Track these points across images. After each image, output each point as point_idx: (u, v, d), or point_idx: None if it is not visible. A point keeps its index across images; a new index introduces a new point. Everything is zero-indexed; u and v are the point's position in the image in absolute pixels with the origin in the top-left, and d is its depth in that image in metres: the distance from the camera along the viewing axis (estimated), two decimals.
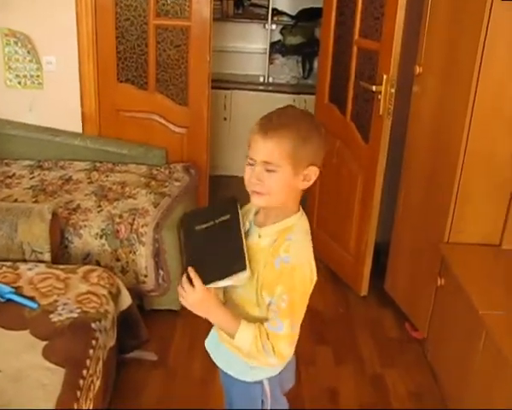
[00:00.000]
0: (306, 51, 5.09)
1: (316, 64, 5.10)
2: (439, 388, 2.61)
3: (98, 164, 3.49)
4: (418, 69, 2.74)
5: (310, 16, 5.02)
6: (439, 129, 2.65)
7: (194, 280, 1.36)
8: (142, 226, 2.81)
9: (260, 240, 1.44)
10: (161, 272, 2.84)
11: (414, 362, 2.81)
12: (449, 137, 2.55)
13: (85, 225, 2.81)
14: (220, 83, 4.70)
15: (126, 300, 2.47)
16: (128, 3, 3.39)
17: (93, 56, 3.43)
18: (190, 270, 1.37)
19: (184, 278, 1.38)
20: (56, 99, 3.49)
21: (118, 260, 2.81)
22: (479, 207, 2.55)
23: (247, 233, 1.47)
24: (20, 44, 3.39)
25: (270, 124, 1.38)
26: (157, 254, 2.81)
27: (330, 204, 3.42)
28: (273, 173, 1.36)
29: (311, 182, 1.41)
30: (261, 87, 5.03)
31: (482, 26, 2.29)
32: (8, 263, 2.41)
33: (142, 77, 3.55)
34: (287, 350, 1.38)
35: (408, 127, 2.90)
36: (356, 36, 3.02)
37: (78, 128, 3.57)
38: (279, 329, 1.36)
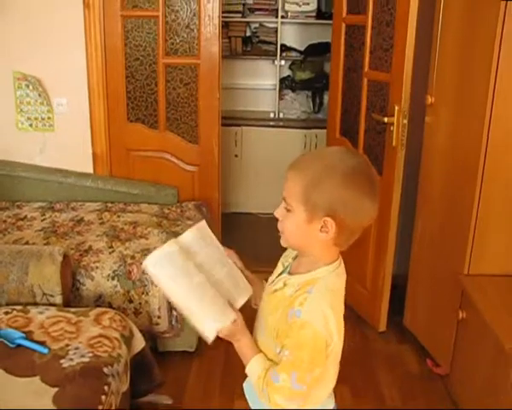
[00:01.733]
0: (316, 86, 5.11)
1: (326, 98, 5.10)
2: None
3: (110, 204, 3.47)
4: (430, 99, 2.71)
5: (318, 51, 5.06)
6: (454, 158, 2.60)
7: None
8: None
9: (285, 288, 1.37)
10: (175, 313, 2.78)
11: (437, 399, 2.71)
12: (465, 166, 2.50)
13: (97, 267, 2.76)
14: (231, 120, 4.72)
15: (139, 343, 2.41)
16: (137, 43, 3.41)
17: (103, 97, 3.44)
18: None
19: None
20: (67, 140, 3.50)
21: (130, 301, 2.76)
22: (498, 237, 2.48)
23: (278, 277, 1.44)
24: (31, 87, 3.41)
25: (297, 160, 1.33)
26: None
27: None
28: (289, 213, 1.30)
29: (330, 234, 1.27)
30: (272, 123, 5.04)
31: (494, 52, 2.26)
32: (19, 307, 2.36)
33: (153, 116, 3.55)
34: (282, 403, 1.30)
35: (422, 158, 2.85)
36: (366, 68, 3.00)
37: (89, 169, 3.56)
38: (275, 379, 1.30)
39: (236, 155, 4.89)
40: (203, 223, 1.51)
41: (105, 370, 2.04)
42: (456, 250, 2.57)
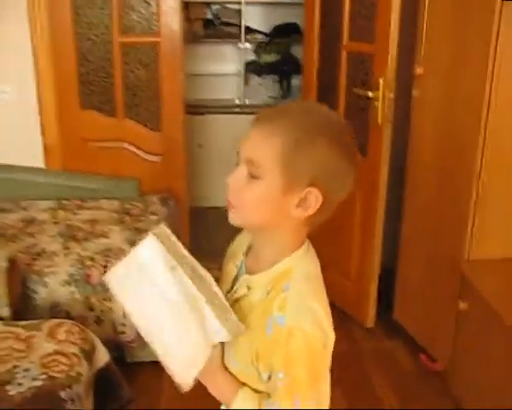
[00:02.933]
0: (283, 69, 4.83)
1: (294, 82, 4.84)
2: None
3: (64, 202, 3.11)
4: (419, 70, 2.46)
5: (284, 32, 4.77)
6: (448, 133, 2.36)
7: None
8: None
9: (251, 293, 1.04)
10: None
11: (435, 396, 2.49)
12: (462, 141, 2.26)
13: (51, 272, 2.43)
14: (193, 108, 4.38)
15: (103, 356, 2.09)
16: (88, 21, 3.05)
17: (52, 82, 3.08)
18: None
19: None
20: (13, 132, 3.13)
21: (91, 309, 2.43)
22: (500, 217, 2.26)
23: (234, 281, 1.10)
24: None
25: (267, 111, 1.01)
26: None
27: (323, 226, 3.09)
28: (254, 180, 0.97)
29: (308, 211, 0.98)
30: (237, 110, 4.73)
31: (494, 14, 2.02)
32: None
33: (109, 102, 3.20)
34: None
35: (410, 135, 2.60)
36: (345, 39, 2.73)
37: (40, 163, 3.20)
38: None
39: (200, 145, 4.56)
40: (162, 227, 1.08)
41: (62, 394, 1.73)
42: (454, 234, 2.34)
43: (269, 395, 1.01)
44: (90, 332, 2.09)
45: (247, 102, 4.80)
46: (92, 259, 2.49)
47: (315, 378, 0.99)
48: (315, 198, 0.97)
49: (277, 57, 4.81)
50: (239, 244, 1.15)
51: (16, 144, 3.15)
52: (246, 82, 4.83)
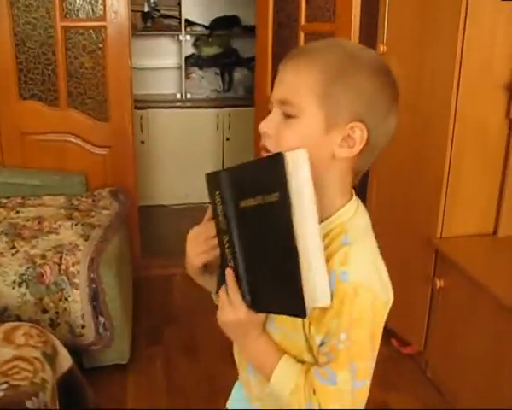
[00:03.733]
0: (224, 62, 4.72)
1: (236, 75, 4.74)
2: (449, 403, 2.25)
3: (4, 200, 2.85)
4: (382, 48, 2.41)
5: (225, 25, 4.67)
6: (415, 111, 2.31)
7: (232, 294, 0.90)
8: (73, 265, 2.24)
9: None
10: (102, 320, 2.27)
11: (412, 381, 2.44)
12: (431, 118, 2.22)
13: None
14: (133, 103, 4.19)
15: (65, 361, 1.90)
16: (27, 3, 2.82)
17: None
18: (229, 275, 0.90)
19: (223, 287, 0.92)
20: None
21: (44, 311, 2.22)
22: (471, 193, 2.24)
23: None
24: None
25: (296, 50, 0.94)
26: (95, 298, 2.25)
27: None
28: (292, 120, 0.88)
29: (353, 149, 0.89)
30: (179, 104, 4.58)
31: None
32: None
33: (51, 91, 2.97)
34: None
35: None
36: (302, 21, 2.65)
37: None
38: (330, 381, 0.88)
39: (143, 142, 4.37)
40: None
41: (28, 404, 1.53)
42: (425, 212, 2.29)
43: (316, 364, 0.90)
44: (50, 334, 1.89)
45: (189, 96, 4.66)
46: (43, 256, 2.27)
47: (374, 341, 0.89)
48: (359, 134, 0.88)
49: (218, 50, 4.70)
50: None
51: None
52: (186, 76, 4.68)
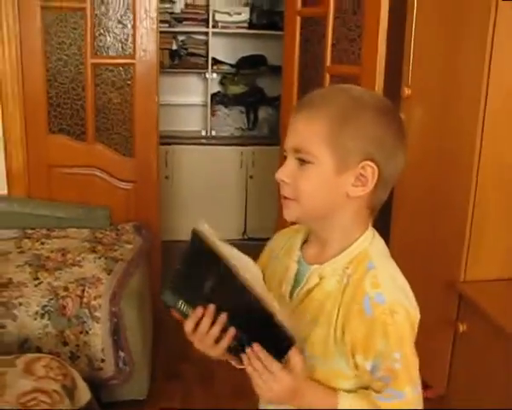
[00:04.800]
0: (250, 101, 4.78)
1: (261, 114, 4.79)
2: None
3: (29, 231, 2.90)
4: (407, 91, 2.43)
5: (251, 64, 4.74)
6: (440, 155, 2.32)
7: (269, 366, 0.91)
8: (95, 298, 2.26)
9: (323, 282, 1.00)
10: (122, 354, 2.27)
11: None
12: (456, 162, 2.22)
13: (20, 303, 2.23)
14: (160, 139, 4.26)
15: (84, 394, 1.90)
16: (60, 40, 2.90)
17: (19, 104, 2.89)
18: (257, 347, 0.92)
19: (259, 363, 0.92)
20: None
21: (65, 343, 2.23)
22: (495, 236, 2.21)
23: (295, 277, 1.04)
24: None
25: (306, 98, 1.00)
26: (115, 332, 2.25)
27: None
28: (306, 167, 0.95)
29: (366, 187, 0.95)
30: (204, 141, 4.63)
31: (488, 30, 2.01)
32: None
33: (79, 126, 3.03)
34: None
35: None
36: (328, 62, 2.68)
37: (2, 189, 2.98)
38: (397, 395, 0.93)
39: (167, 177, 4.42)
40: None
41: None
42: (449, 255, 2.27)
43: (372, 389, 0.94)
44: (70, 367, 1.90)
45: (214, 133, 4.71)
46: (66, 289, 2.30)
47: (415, 356, 0.96)
48: (371, 171, 0.95)
49: (244, 89, 4.77)
50: (281, 245, 1.12)
51: None
52: (212, 113, 4.75)
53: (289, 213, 1.00)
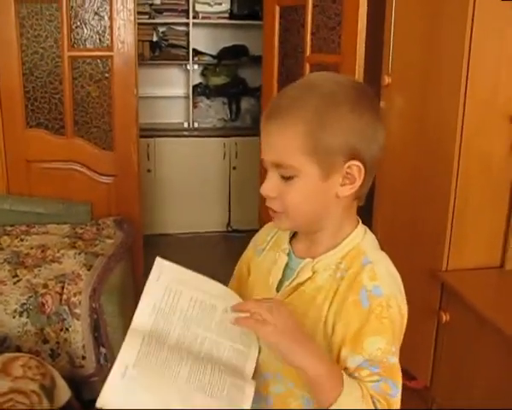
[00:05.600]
0: (232, 91, 4.74)
1: (243, 105, 4.76)
2: None
3: (9, 228, 2.86)
4: (387, 79, 2.40)
5: (232, 55, 4.69)
6: (421, 143, 2.30)
7: (260, 310, 0.88)
8: (75, 295, 2.23)
9: (316, 276, 0.98)
10: (103, 350, 2.25)
11: None
12: (436, 151, 2.20)
13: None
14: (141, 132, 4.20)
15: (64, 393, 1.87)
16: (36, 33, 2.85)
17: None
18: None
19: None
20: None
21: (45, 341, 2.20)
22: (478, 225, 2.20)
23: (285, 270, 1.03)
24: None
25: (276, 105, 0.95)
26: (96, 328, 2.23)
27: None
28: (291, 181, 0.92)
29: (355, 184, 0.93)
30: (186, 133, 4.59)
31: (467, 16, 1.99)
32: None
33: (57, 120, 2.99)
34: None
35: None
36: (307, 52, 2.66)
37: None
38: (394, 395, 0.89)
39: (149, 170, 4.38)
40: (160, 261, 0.99)
41: None
42: (431, 245, 2.26)
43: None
44: (49, 366, 1.87)
45: (196, 125, 4.67)
46: (45, 286, 2.26)
47: (396, 352, 0.93)
48: (357, 170, 0.93)
49: (226, 80, 4.72)
50: (267, 238, 1.11)
51: None
52: (194, 105, 4.71)
53: (280, 225, 1.00)
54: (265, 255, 1.09)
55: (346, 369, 0.89)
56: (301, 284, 0.98)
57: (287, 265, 1.03)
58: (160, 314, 0.94)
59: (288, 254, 1.03)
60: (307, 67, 2.69)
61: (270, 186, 0.94)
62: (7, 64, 2.84)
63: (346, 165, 0.91)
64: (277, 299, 0.98)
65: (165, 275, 0.96)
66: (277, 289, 1.02)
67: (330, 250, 0.98)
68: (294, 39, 2.77)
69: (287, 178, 0.92)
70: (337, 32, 2.51)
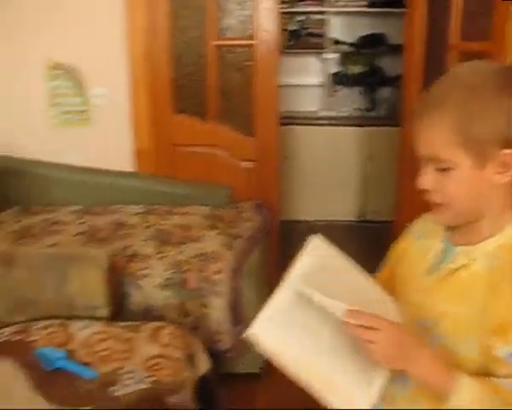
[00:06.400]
0: (369, 81, 4.67)
1: (381, 94, 4.67)
2: None
3: (154, 207, 3.04)
4: None
5: (371, 43, 4.62)
6: None
7: (367, 320, 0.91)
8: (216, 273, 2.33)
9: (472, 264, 0.99)
10: (239, 328, 2.33)
11: None
12: None
13: (146, 275, 2.35)
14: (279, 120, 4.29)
15: (204, 364, 1.97)
16: (184, 24, 3.00)
17: (146, 86, 3.03)
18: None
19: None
20: (105, 136, 3.10)
21: (186, 315, 2.32)
22: None
23: (439, 255, 1.05)
24: (64, 77, 3.03)
25: (423, 103, 0.99)
26: (234, 307, 2.32)
27: None
28: (447, 173, 0.96)
29: (511, 171, 0.94)
30: (322, 121, 4.59)
31: None
32: (58, 321, 1.94)
33: (202, 106, 3.12)
34: None
35: None
36: (453, 39, 2.56)
37: (130, 167, 3.15)
38: None
39: (286, 157, 4.44)
40: (317, 241, 1.06)
41: (169, 400, 1.61)
42: None
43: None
44: (193, 337, 1.98)
45: (332, 113, 4.66)
46: (188, 262, 2.39)
47: None
48: (511, 157, 0.93)
49: (364, 69, 4.67)
50: (423, 227, 1.15)
51: (108, 148, 3.13)
52: (330, 94, 4.70)
53: (442, 219, 1.02)
54: (422, 243, 1.11)
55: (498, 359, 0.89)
56: (456, 269, 1.00)
57: (442, 252, 1.05)
58: (310, 278, 0.97)
59: (444, 242, 1.05)
60: (453, 55, 2.59)
61: (428, 180, 0.98)
62: (158, 53, 3.02)
63: (500, 154, 0.92)
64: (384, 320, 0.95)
65: (320, 251, 1.02)
66: (429, 274, 1.05)
67: (488, 238, 0.99)
68: (439, 26, 2.67)
69: (442, 171, 0.96)
70: (487, 18, 2.38)
